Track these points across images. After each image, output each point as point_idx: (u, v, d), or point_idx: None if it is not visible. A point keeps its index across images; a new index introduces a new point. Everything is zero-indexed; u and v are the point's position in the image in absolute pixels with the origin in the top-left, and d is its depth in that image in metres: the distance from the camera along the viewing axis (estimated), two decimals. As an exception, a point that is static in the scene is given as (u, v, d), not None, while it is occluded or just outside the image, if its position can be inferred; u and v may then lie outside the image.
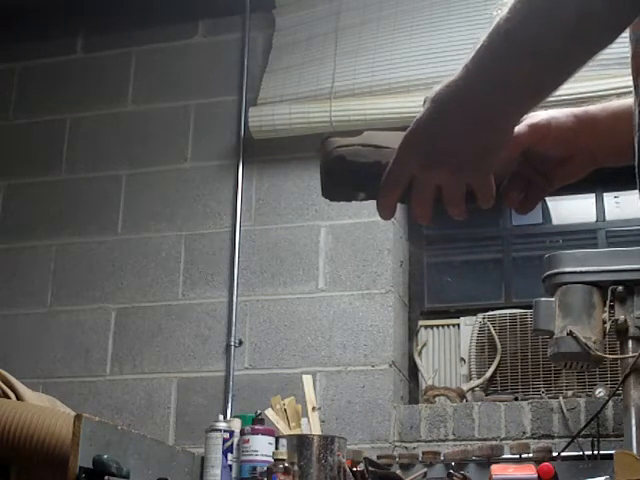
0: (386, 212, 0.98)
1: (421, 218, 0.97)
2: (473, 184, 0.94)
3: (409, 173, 0.94)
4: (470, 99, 0.89)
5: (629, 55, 0.98)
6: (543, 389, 3.30)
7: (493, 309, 3.50)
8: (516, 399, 3.26)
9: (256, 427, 2.94)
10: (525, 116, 1.03)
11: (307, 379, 3.12)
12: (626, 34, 0.94)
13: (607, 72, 3.09)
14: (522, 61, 0.86)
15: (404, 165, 0.94)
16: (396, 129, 0.96)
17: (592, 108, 1.08)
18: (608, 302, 2.75)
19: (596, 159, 1.09)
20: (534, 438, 3.12)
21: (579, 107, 1.09)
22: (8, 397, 2.39)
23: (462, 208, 0.95)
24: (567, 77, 0.88)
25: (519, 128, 1.03)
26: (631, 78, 0.98)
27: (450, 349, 3.55)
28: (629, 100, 1.03)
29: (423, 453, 3.06)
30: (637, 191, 0.95)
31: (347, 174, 1.00)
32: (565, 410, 3.12)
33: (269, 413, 3.01)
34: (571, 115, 1.07)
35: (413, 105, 3.32)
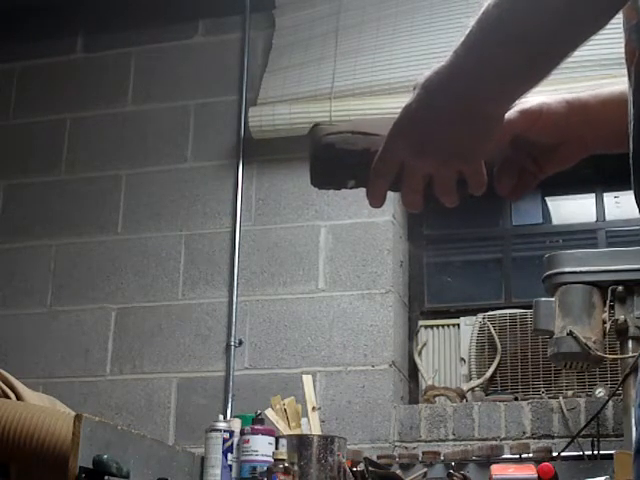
0: (376, 200, 0.96)
1: (411, 206, 0.95)
2: (464, 171, 0.92)
3: (399, 160, 0.93)
4: (460, 85, 0.88)
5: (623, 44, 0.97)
6: (543, 389, 3.30)
7: (493, 309, 3.49)
8: (516, 399, 3.26)
9: (256, 427, 2.94)
10: (516, 102, 1.03)
11: (307, 379, 3.12)
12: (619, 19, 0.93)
13: (607, 72, 3.09)
14: (512, 46, 0.85)
15: (394, 152, 0.93)
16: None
17: (584, 95, 1.07)
18: (608, 302, 2.75)
19: (587, 146, 1.07)
20: (534, 438, 3.12)
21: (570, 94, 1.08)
22: (8, 397, 2.39)
23: (453, 196, 0.94)
24: (558, 62, 0.86)
25: (510, 114, 1.01)
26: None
27: (450, 349, 3.54)
28: (620, 87, 1.02)
29: (423, 453, 3.06)
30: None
31: (336, 162, 0.98)
32: (565, 410, 3.12)
33: (269, 413, 3.01)
34: (562, 101, 1.06)
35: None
